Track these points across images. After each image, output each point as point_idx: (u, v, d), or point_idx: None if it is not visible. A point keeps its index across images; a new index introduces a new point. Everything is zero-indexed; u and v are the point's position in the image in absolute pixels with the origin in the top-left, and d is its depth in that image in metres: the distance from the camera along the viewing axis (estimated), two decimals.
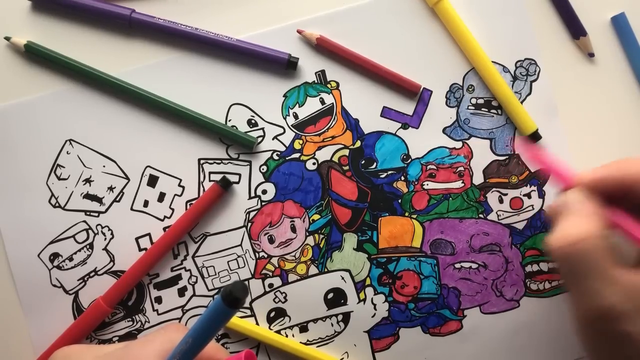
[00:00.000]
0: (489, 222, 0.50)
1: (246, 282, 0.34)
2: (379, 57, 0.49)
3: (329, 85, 0.50)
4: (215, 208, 0.50)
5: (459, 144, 0.50)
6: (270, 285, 0.50)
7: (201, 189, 0.50)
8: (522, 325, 0.50)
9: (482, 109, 0.50)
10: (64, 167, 0.50)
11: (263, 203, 0.50)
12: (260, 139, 0.50)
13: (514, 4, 0.50)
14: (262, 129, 0.50)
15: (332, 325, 0.50)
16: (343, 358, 0.50)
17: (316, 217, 0.50)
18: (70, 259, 0.50)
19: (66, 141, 0.50)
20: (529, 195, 0.50)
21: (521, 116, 0.49)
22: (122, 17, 0.49)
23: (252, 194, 0.50)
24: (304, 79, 0.50)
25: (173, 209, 0.50)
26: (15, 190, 0.49)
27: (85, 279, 0.50)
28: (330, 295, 0.50)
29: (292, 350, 0.49)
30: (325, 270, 0.50)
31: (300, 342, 0.50)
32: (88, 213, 0.50)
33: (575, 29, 0.50)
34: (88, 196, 0.50)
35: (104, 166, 0.50)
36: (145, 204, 0.50)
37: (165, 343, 0.42)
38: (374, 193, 0.50)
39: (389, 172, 0.50)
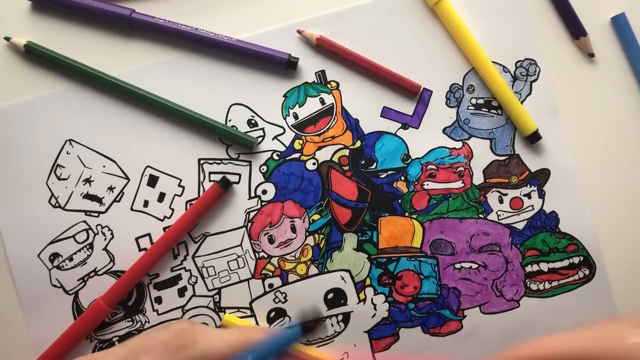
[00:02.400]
0: (489, 222, 0.50)
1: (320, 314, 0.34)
2: (379, 57, 0.49)
3: (329, 85, 0.50)
4: (215, 208, 0.50)
5: (459, 144, 0.50)
6: (270, 285, 0.50)
7: (201, 189, 0.50)
8: (522, 325, 0.50)
9: (482, 109, 0.50)
10: (64, 167, 0.50)
11: (263, 203, 0.50)
12: (260, 139, 0.50)
13: (514, 4, 0.50)
14: (262, 129, 0.50)
15: (332, 325, 0.50)
16: (343, 358, 0.50)
17: (316, 217, 0.50)
18: (70, 259, 0.50)
19: (66, 141, 0.50)
20: (529, 195, 0.50)
21: (521, 116, 0.49)
22: (122, 17, 0.49)
23: (252, 194, 0.50)
24: (304, 79, 0.50)
25: (173, 209, 0.50)
26: (15, 190, 0.49)
27: (85, 279, 0.50)
28: (330, 296, 0.50)
29: (292, 350, 0.49)
30: (325, 270, 0.50)
31: (300, 342, 0.50)
32: (88, 213, 0.50)
33: (575, 29, 0.50)
34: (88, 196, 0.50)
35: (104, 166, 0.50)
36: (145, 204, 0.50)
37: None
38: (374, 193, 0.50)
39: (389, 172, 0.50)
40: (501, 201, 0.50)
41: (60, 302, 0.50)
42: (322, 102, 0.50)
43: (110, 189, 0.50)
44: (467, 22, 0.49)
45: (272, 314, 0.50)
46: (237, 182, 0.50)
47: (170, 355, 0.42)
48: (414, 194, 0.50)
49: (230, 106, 0.50)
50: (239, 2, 0.50)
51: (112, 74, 0.49)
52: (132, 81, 0.49)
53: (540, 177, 0.50)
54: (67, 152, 0.50)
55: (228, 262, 0.50)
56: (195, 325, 0.45)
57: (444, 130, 0.50)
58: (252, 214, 0.50)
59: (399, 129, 0.50)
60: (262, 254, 0.50)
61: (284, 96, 0.50)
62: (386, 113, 0.50)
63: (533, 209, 0.50)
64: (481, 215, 0.50)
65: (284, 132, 0.50)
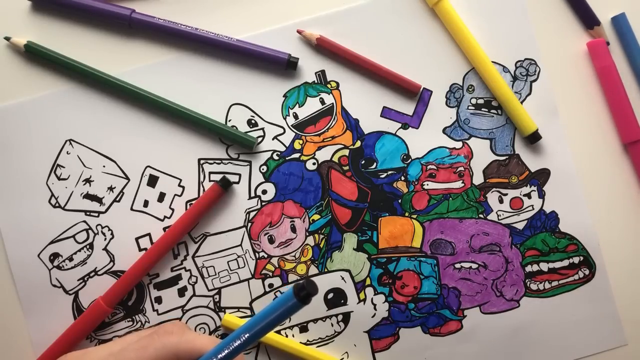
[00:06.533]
0: (489, 222, 0.50)
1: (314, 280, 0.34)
2: (379, 57, 0.49)
3: (329, 85, 0.50)
4: (215, 208, 0.50)
5: (459, 144, 0.50)
6: (270, 285, 0.50)
7: (201, 189, 0.50)
8: (522, 325, 0.50)
9: (482, 109, 0.50)
10: (64, 167, 0.50)
11: (263, 203, 0.50)
12: (260, 139, 0.50)
13: (514, 4, 0.50)
14: (262, 129, 0.50)
15: (332, 325, 0.50)
16: (343, 358, 0.50)
17: (316, 217, 0.50)
18: (70, 259, 0.50)
19: (66, 141, 0.50)
20: (529, 195, 0.50)
21: (521, 116, 0.49)
22: (122, 17, 0.49)
23: (252, 194, 0.50)
24: (304, 79, 0.50)
25: (173, 209, 0.50)
26: (15, 190, 0.49)
27: (85, 279, 0.50)
28: (330, 295, 0.50)
29: (292, 350, 0.49)
30: (325, 270, 0.50)
31: (300, 342, 0.50)
32: (88, 213, 0.50)
33: (588, 19, 0.50)
34: (88, 196, 0.50)
35: (104, 166, 0.50)
36: (145, 204, 0.50)
37: (159, 350, 0.42)
38: (374, 193, 0.50)
39: (389, 172, 0.50)
40: (501, 201, 0.50)
41: (60, 302, 0.50)
42: (322, 102, 0.50)
43: (110, 189, 0.50)
44: (467, 22, 0.49)
45: None
46: (237, 182, 0.50)
47: (157, 337, 0.43)
48: (414, 194, 0.50)
49: (230, 106, 0.50)
50: (239, 2, 0.50)
51: (112, 74, 0.49)
52: (132, 81, 0.49)
53: (540, 177, 0.50)
54: (67, 152, 0.50)
55: (228, 262, 0.50)
56: (188, 326, 0.48)
57: (444, 130, 0.50)
58: (252, 214, 0.50)
59: (399, 129, 0.50)
60: (262, 254, 0.50)
61: (284, 96, 0.50)
62: (386, 113, 0.50)
63: (533, 209, 0.50)
64: (481, 215, 0.50)
65: (284, 132, 0.50)
